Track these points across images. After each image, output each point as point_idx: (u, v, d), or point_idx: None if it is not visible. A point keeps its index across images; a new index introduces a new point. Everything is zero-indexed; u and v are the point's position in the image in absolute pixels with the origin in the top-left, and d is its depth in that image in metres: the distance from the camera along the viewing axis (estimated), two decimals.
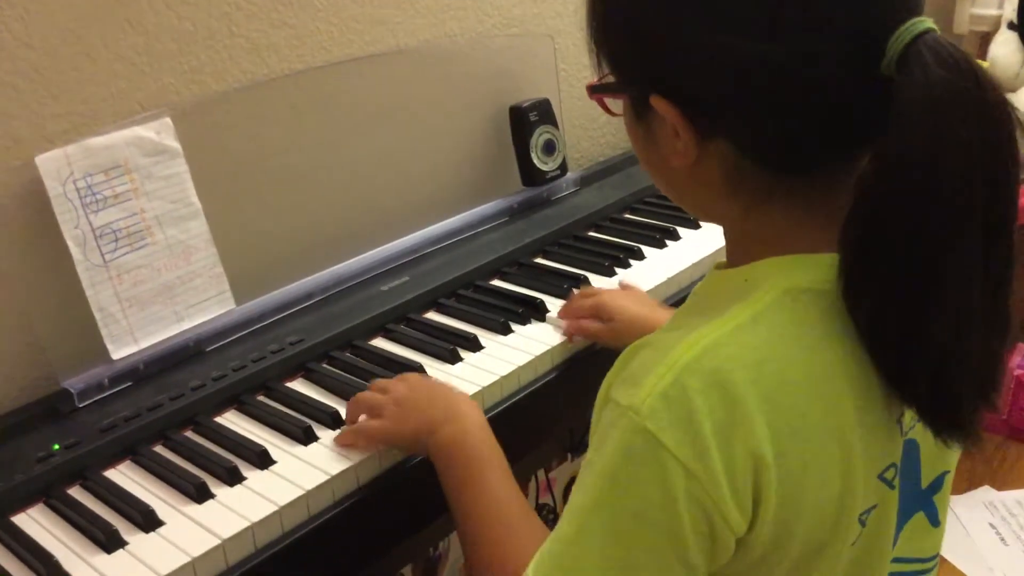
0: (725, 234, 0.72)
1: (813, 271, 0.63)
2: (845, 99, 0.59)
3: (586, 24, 0.68)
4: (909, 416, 0.67)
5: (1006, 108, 0.57)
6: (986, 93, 0.56)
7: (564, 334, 1.15)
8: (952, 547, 0.87)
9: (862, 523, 0.65)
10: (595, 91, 0.71)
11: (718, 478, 0.58)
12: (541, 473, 1.70)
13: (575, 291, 1.22)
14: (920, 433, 0.69)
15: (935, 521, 0.75)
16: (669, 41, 0.62)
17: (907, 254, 0.58)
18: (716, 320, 0.62)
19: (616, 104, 0.71)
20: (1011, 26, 2.31)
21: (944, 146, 0.56)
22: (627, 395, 0.61)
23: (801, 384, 0.61)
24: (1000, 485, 1.93)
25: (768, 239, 0.66)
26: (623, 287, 1.22)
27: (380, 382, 0.99)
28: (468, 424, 0.89)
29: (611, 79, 0.68)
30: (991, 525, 1.83)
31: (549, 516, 1.75)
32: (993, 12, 2.43)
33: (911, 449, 0.69)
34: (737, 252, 0.70)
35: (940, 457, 0.73)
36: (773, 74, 0.59)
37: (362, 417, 0.97)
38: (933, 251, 0.57)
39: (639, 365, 0.63)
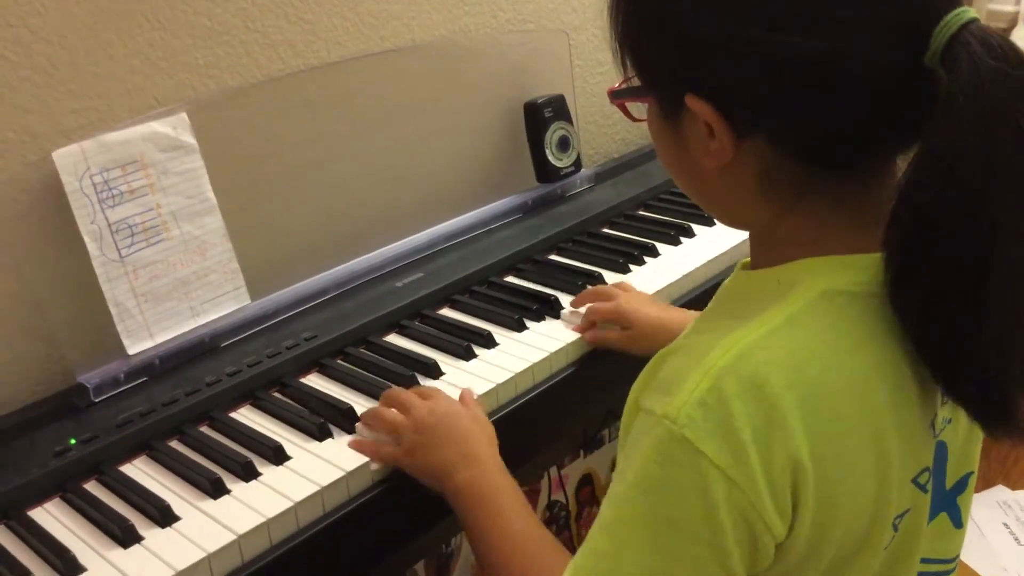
0: (752, 236, 0.70)
1: (848, 273, 0.62)
2: (886, 93, 0.58)
3: (609, 23, 0.67)
4: (940, 418, 0.66)
5: None
6: None
7: (582, 336, 1.14)
8: (966, 547, 0.86)
9: (895, 527, 0.65)
10: (619, 96, 0.69)
11: (758, 484, 0.57)
12: (553, 470, 1.70)
13: (588, 287, 1.22)
14: (950, 435, 0.68)
15: (958, 522, 0.74)
16: (706, 39, 0.61)
17: (958, 253, 0.57)
18: (750, 323, 0.61)
19: (638, 110, 0.70)
20: None
21: (997, 138, 0.54)
22: (661, 403, 0.60)
23: (838, 388, 0.60)
24: (1014, 484, 1.92)
25: (800, 240, 0.65)
26: (623, 289, 1.18)
27: (404, 398, 0.97)
28: (482, 468, 0.87)
29: (636, 82, 0.67)
30: (1005, 525, 1.82)
31: (561, 513, 1.75)
32: (1010, 8, 2.40)
33: (940, 451, 0.68)
34: (765, 254, 0.68)
35: (965, 458, 0.72)
36: (813, 68, 0.58)
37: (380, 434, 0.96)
38: (985, 248, 0.56)
39: (671, 372, 0.62)
